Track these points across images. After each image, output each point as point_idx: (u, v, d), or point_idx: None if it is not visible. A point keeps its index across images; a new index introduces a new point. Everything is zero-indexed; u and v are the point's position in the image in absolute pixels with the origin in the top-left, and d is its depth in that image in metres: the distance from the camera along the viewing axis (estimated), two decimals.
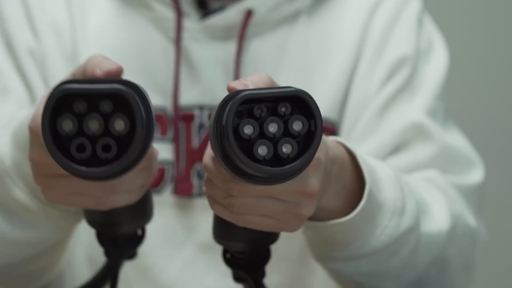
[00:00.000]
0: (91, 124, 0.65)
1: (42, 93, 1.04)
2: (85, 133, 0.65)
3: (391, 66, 1.08)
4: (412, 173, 1.03)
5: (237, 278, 0.86)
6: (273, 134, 0.68)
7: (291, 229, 0.78)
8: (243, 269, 0.84)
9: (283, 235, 0.95)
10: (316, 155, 0.73)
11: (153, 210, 0.83)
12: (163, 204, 1.05)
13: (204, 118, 1.06)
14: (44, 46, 1.06)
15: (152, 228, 0.87)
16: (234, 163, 0.69)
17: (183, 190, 1.05)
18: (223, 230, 0.81)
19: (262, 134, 0.68)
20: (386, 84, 1.07)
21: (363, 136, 1.06)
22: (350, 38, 1.08)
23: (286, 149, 0.68)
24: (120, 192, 0.76)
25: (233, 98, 0.68)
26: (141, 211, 0.80)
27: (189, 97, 1.06)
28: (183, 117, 1.05)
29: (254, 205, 0.75)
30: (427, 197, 0.96)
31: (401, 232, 0.88)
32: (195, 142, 1.06)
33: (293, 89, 0.68)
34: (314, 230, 0.87)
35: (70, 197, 0.76)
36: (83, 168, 0.65)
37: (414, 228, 0.90)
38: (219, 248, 0.89)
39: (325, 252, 0.89)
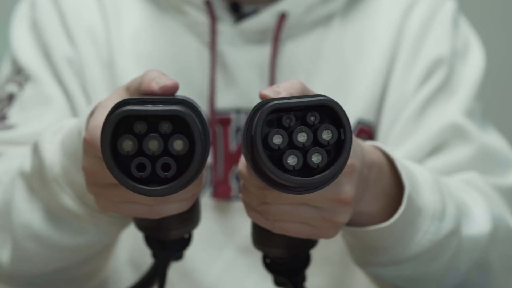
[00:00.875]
0: (151, 144, 0.67)
1: (82, 101, 1.06)
2: (145, 152, 0.67)
3: (428, 67, 1.07)
4: (451, 175, 1.03)
5: (278, 283, 0.86)
6: (302, 143, 0.68)
7: (327, 236, 0.79)
8: (283, 274, 0.84)
9: (323, 240, 0.95)
10: (350, 161, 0.73)
11: (200, 216, 0.84)
12: (203, 207, 1.04)
13: (240, 122, 1.06)
14: (81, 54, 1.07)
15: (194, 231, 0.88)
16: (264, 172, 0.69)
17: (221, 193, 1.05)
18: (261, 236, 0.81)
19: (291, 144, 0.68)
20: (423, 85, 1.07)
21: (401, 137, 1.05)
22: (385, 39, 1.08)
23: (315, 158, 0.68)
24: (172, 202, 0.77)
25: (262, 108, 0.68)
26: (190, 217, 0.81)
27: (225, 100, 1.06)
28: (220, 120, 1.06)
29: (289, 213, 0.75)
30: (467, 200, 0.95)
31: (442, 236, 0.88)
32: (233, 146, 1.06)
33: (322, 98, 0.68)
34: (354, 235, 0.87)
35: (122, 206, 0.77)
36: (145, 188, 0.67)
37: (455, 231, 0.89)
38: (259, 251, 0.90)
39: (365, 257, 0.89)
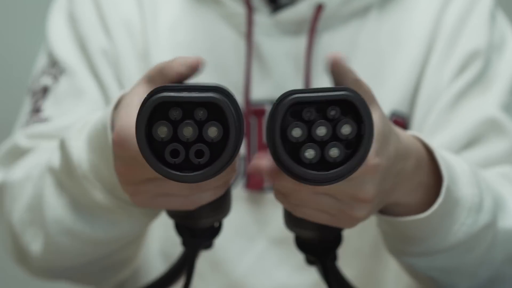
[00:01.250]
0: (185, 131, 0.67)
1: (116, 93, 1.06)
2: (179, 139, 0.67)
3: (464, 59, 1.06)
4: (486, 169, 1.02)
5: (309, 261, 0.87)
6: (321, 137, 0.68)
7: (346, 226, 0.79)
8: (314, 254, 0.85)
9: (356, 229, 0.94)
10: (376, 161, 0.73)
11: (231, 204, 0.85)
12: (236, 198, 1.04)
13: None
14: (117, 46, 1.08)
15: (225, 222, 0.88)
16: (282, 163, 0.69)
17: (254, 184, 1.05)
18: (292, 218, 0.82)
19: (310, 137, 0.68)
20: (459, 76, 1.06)
21: (434, 128, 1.05)
22: (422, 31, 1.08)
23: (333, 153, 0.68)
24: (207, 190, 0.77)
25: (283, 101, 0.68)
26: (222, 205, 0.81)
27: (260, 92, 1.06)
28: (254, 112, 1.06)
29: (310, 200, 0.76)
30: (503, 192, 0.94)
31: (478, 229, 0.87)
32: None
33: (343, 92, 0.68)
34: (390, 225, 0.87)
35: (159, 200, 0.77)
36: (179, 173, 0.67)
37: (491, 224, 0.89)
38: (291, 242, 0.89)
39: (399, 246, 0.89)
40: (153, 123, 0.67)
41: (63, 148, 0.88)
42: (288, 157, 0.68)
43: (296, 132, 0.68)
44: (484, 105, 1.05)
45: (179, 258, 0.89)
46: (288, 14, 1.06)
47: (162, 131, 0.67)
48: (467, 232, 0.87)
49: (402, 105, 1.06)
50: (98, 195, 0.86)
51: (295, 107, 0.68)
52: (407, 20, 1.09)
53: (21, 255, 0.99)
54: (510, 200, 0.95)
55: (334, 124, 0.68)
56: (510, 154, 1.04)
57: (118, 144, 0.75)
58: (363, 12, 1.08)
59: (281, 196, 0.78)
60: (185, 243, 0.85)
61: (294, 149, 0.68)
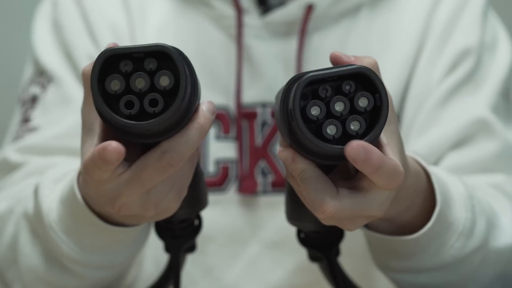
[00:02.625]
0: (137, 82, 0.69)
1: None
2: (133, 90, 0.69)
3: (455, 57, 1.06)
4: (477, 175, 1.01)
5: (312, 258, 0.86)
6: (340, 112, 0.68)
7: (344, 228, 0.77)
8: (317, 248, 0.85)
9: (346, 232, 0.94)
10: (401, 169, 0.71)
11: (207, 197, 0.84)
12: (228, 202, 1.04)
13: (266, 116, 1.05)
14: None
15: (217, 227, 0.87)
16: (303, 144, 0.69)
17: (247, 188, 1.04)
18: (296, 211, 0.81)
19: (329, 114, 0.68)
20: (449, 74, 1.06)
21: (424, 126, 1.04)
22: (413, 29, 1.07)
23: (354, 126, 0.68)
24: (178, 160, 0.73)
25: (297, 81, 0.68)
26: (195, 194, 0.81)
27: (251, 94, 1.05)
28: (245, 115, 1.05)
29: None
30: (496, 208, 0.93)
31: (466, 253, 0.87)
32: (258, 140, 1.05)
33: (356, 66, 0.69)
34: (377, 239, 0.86)
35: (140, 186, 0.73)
36: (133, 122, 0.68)
37: (481, 248, 0.88)
38: (285, 246, 0.89)
39: (384, 260, 0.88)
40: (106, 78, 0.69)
41: (36, 195, 0.87)
42: (313, 136, 0.68)
43: (315, 110, 0.68)
44: (474, 105, 1.04)
45: (165, 266, 0.88)
46: (278, 15, 1.05)
47: (115, 84, 0.68)
48: (454, 255, 0.86)
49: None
50: (64, 247, 0.85)
51: (306, 89, 0.69)
52: (398, 19, 1.08)
53: (6, 287, 0.98)
54: (503, 217, 0.93)
55: (350, 99, 0.69)
56: (498, 155, 1.03)
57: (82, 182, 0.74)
58: (353, 12, 1.07)
59: (293, 180, 0.75)
60: (167, 247, 0.85)
61: (312, 129, 0.69)
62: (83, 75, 0.72)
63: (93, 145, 0.71)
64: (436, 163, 1.03)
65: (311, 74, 0.68)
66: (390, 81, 1.05)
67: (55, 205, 0.85)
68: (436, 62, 1.06)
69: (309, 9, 1.05)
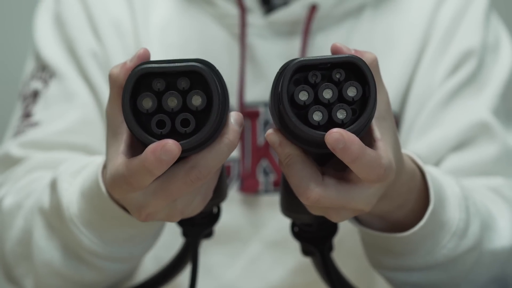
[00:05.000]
0: (169, 101, 0.68)
1: (107, 95, 1.05)
2: (164, 109, 0.68)
3: (457, 58, 1.06)
4: (477, 178, 1.01)
5: (305, 252, 0.87)
6: (328, 100, 0.69)
7: (330, 218, 0.76)
8: (310, 242, 0.85)
9: (349, 230, 0.94)
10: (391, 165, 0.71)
11: (227, 189, 0.85)
12: (230, 201, 1.04)
13: (269, 115, 1.05)
14: (106, 47, 1.06)
15: (218, 226, 0.87)
16: (290, 129, 0.70)
17: (249, 187, 1.04)
18: (290, 202, 0.82)
19: (317, 100, 0.69)
20: (452, 75, 1.06)
21: (425, 127, 1.05)
22: (416, 30, 1.07)
23: (340, 115, 0.69)
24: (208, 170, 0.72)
25: (288, 66, 0.69)
26: (219, 188, 0.81)
27: (253, 94, 1.05)
28: (248, 114, 1.05)
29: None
30: (493, 210, 0.93)
31: (459, 253, 0.86)
32: (261, 139, 1.05)
33: (347, 55, 0.69)
34: (370, 236, 0.86)
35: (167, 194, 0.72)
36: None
37: (474, 249, 0.88)
38: (285, 245, 0.89)
39: (377, 258, 0.88)
40: (138, 96, 0.68)
41: (54, 189, 0.87)
42: (297, 119, 0.68)
43: (303, 96, 0.68)
44: (476, 108, 1.05)
45: (181, 248, 0.88)
46: (282, 15, 1.05)
47: (147, 102, 0.68)
48: (446, 255, 0.86)
49: (394, 104, 1.06)
50: (85, 240, 0.85)
51: (299, 75, 0.69)
52: (401, 19, 1.08)
53: (13, 282, 0.98)
54: (500, 220, 0.93)
55: (339, 87, 0.69)
56: (498, 159, 1.03)
57: (113, 189, 0.72)
58: (357, 12, 1.07)
59: (283, 166, 0.75)
60: (185, 233, 0.85)
61: (301, 114, 0.69)
62: (111, 76, 0.71)
63: (119, 152, 0.70)
64: (436, 164, 1.03)
65: (301, 59, 0.68)
66: (393, 81, 1.06)
67: (75, 198, 0.84)
68: (438, 63, 1.06)
69: (313, 9, 1.05)
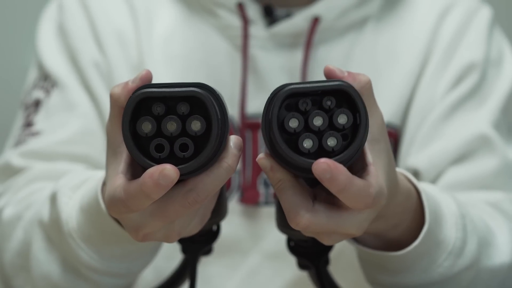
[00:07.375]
0: (169, 126, 0.68)
1: (109, 106, 1.05)
2: (164, 134, 0.68)
3: (460, 71, 1.06)
4: (477, 192, 1.01)
5: (301, 266, 0.86)
6: (318, 127, 0.68)
7: (322, 241, 0.76)
8: (306, 257, 0.85)
9: (348, 245, 0.93)
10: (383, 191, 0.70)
11: (227, 207, 0.85)
12: (230, 212, 1.03)
13: None
14: (109, 58, 1.07)
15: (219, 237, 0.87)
16: (280, 155, 0.70)
17: (249, 199, 1.04)
18: (284, 218, 0.80)
19: (307, 128, 0.69)
20: (454, 89, 1.06)
21: (426, 140, 1.05)
22: (418, 43, 1.07)
23: (331, 142, 0.69)
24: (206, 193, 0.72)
25: (279, 93, 0.69)
26: (219, 207, 0.81)
27: (255, 105, 1.05)
28: (249, 125, 1.05)
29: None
30: (492, 226, 0.93)
31: (455, 272, 0.86)
32: (262, 151, 1.05)
33: (337, 83, 0.69)
34: (366, 253, 0.86)
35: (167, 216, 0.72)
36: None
37: (471, 267, 0.87)
38: (285, 257, 0.88)
39: (373, 275, 0.88)
40: (137, 120, 0.68)
41: (54, 203, 0.87)
42: (287, 146, 0.68)
43: (293, 123, 0.68)
44: (477, 121, 1.05)
45: (179, 265, 0.88)
46: (284, 27, 1.05)
47: (146, 126, 0.68)
48: (443, 274, 0.85)
49: (395, 117, 1.06)
50: (83, 255, 0.85)
51: (290, 100, 0.69)
52: (403, 32, 1.08)
53: None
54: (499, 235, 0.93)
55: (330, 115, 0.69)
56: (499, 172, 1.03)
57: (111, 209, 0.72)
58: (359, 25, 1.07)
59: (275, 190, 0.75)
60: (184, 250, 0.85)
61: (292, 141, 0.69)
62: (112, 96, 0.71)
63: (119, 171, 0.70)
64: (436, 177, 1.03)
65: (291, 86, 0.68)
66: (395, 94, 1.06)
67: (75, 213, 0.84)
68: (440, 76, 1.06)
69: (315, 21, 1.05)
